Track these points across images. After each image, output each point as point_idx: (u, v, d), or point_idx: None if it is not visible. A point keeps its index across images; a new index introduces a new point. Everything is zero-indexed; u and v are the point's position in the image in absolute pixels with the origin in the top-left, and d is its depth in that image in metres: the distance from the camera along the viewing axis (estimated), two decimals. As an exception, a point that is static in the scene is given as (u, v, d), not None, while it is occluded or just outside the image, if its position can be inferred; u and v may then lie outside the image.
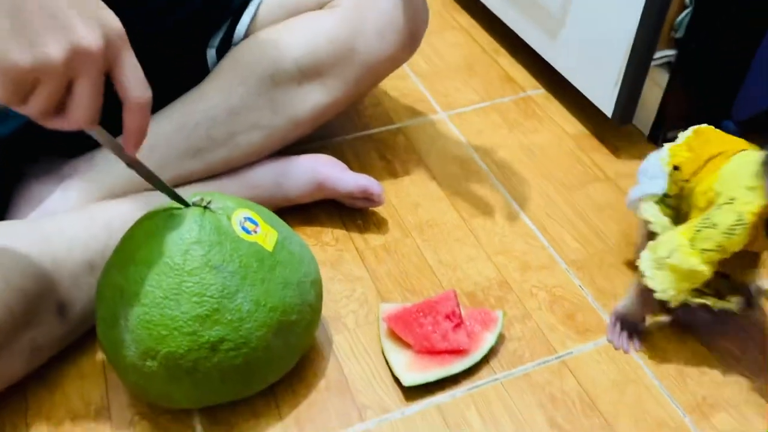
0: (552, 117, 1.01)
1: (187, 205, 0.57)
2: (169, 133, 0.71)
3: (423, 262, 0.78)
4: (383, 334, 0.68)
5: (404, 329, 0.66)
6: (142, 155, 0.70)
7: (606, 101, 0.92)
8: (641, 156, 0.93)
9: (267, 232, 0.59)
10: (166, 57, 0.70)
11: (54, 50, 0.41)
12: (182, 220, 0.55)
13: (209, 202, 0.57)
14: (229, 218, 0.57)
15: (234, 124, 0.72)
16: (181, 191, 0.61)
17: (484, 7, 1.18)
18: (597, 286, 0.75)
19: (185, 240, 0.54)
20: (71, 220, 0.63)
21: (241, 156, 0.75)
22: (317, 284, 0.62)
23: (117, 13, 0.45)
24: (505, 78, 1.09)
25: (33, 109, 0.43)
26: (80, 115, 0.44)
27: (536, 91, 1.06)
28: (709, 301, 0.65)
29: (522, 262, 0.78)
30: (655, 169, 0.69)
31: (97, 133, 0.49)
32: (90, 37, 0.42)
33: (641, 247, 0.66)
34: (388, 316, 0.68)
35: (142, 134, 0.48)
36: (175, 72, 0.72)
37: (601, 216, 0.84)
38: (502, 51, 1.15)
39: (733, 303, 0.66)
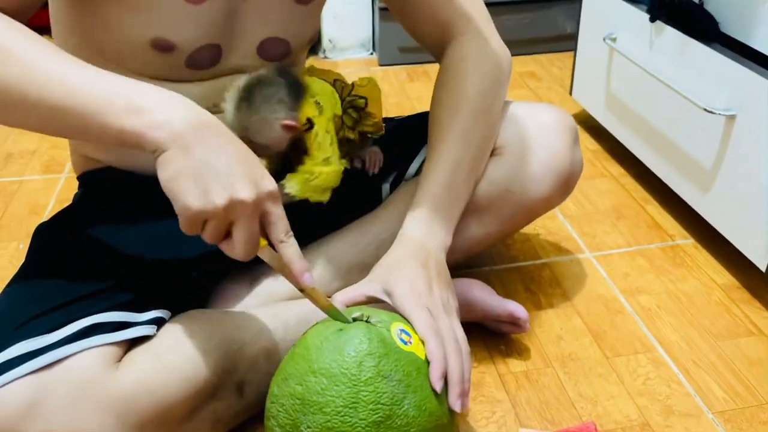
0: (700, 266, 1.02)
1: (347, 321, 0.65)
2: (344, 250, 0.82)
3: (563, 394, 0.80)
4: (521, 458, 0.70)
5: (542, 455, 0.68)
6: (321, 268, 0.82)
7: (760, 254, 0.92)
8: (798, 313, 0.91)
9: (419, 343, 0.65)
10: (348, 192, 0.83)
11: (218, 199, 0.55)
12: (352, 334, 0.62)
13: (369, 317, 0.65)
14: (388, 330, 0.64)
15: None
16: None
17: (634, 158, 1.24)
18: (746, 442, 0.73)
19: (359, 352, 0.61)
20: (259, 315, 0.74)
21: None
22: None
23: None
24: (653, 225, 1.12)
25: (206, 237, 0.58)
26: (239, 250, 0.58)
27: (685, 240, 1.08)
28: None
29: (665, 407, 0.78)
30: None
31: (269, 259, 0.62)
32: (244, 193, 0.56)
33: None
34: (526, 441, 0.70)
35: (299, 265, 0.61)
36: (355, 203, 0.85)
37: (753, 371, 0.82)
38: (651, 199, 1.19)
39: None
